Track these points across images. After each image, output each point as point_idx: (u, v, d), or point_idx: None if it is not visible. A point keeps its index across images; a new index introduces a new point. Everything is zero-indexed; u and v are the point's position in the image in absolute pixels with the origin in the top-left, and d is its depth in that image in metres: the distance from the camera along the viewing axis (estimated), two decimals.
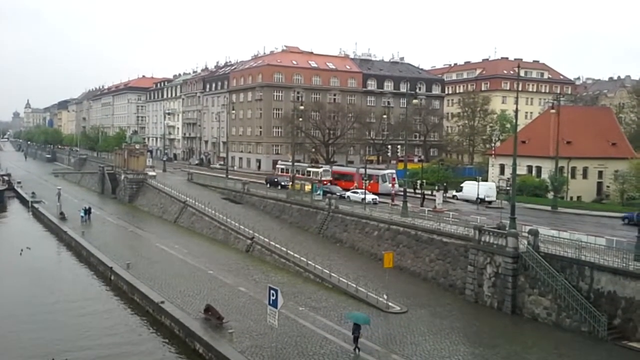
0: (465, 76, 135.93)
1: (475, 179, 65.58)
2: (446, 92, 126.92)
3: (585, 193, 69.37)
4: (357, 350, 26.44)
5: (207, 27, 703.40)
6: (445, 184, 68.69)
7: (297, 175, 74.96)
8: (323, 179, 73.18)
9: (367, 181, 62.93)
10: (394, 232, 44.57)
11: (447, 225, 41.61)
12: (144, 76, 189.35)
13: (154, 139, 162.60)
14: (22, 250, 52.72)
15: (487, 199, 61.58)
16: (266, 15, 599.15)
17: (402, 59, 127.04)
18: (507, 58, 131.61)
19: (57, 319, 34.83)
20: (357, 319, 27.17)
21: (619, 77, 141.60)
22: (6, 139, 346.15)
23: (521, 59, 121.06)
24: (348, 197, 62.26)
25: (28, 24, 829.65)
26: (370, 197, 59.41)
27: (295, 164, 79.80)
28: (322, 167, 78.86)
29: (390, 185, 66.35)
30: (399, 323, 30.90)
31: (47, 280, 44.07)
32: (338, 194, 63.93)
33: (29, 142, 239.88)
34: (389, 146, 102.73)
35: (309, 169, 78.11)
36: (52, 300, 38.61)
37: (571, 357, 26.55)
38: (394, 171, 72.76)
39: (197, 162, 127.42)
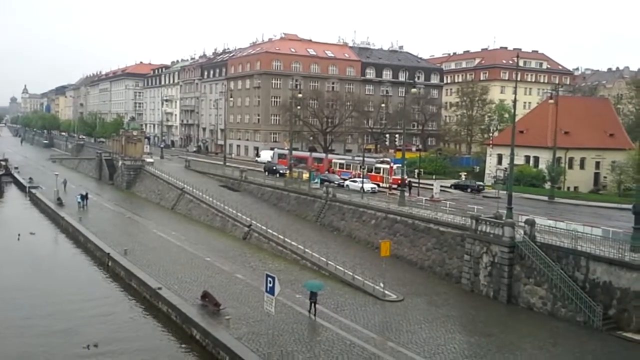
0: (464, 65, 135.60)
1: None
2: (445, 81, 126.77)
3: (582, 184, 69.54)
4: (312, 315, 29.42)
5: (205, 13, 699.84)
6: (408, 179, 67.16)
7: (358, 172, 64.72)
8: (395, 177, 61.78)
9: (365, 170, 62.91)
10: (391, 221, 44.69)
11: (444, 214, 41.83)
12: (141, 62, 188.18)
13: (152, 125, 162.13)
14: (19, 235, 52.67)
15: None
16: (265, 2, 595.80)
17: (401, 47, 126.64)
18: (506, 48, 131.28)
19: (55, 309, 34.29)
20: (313, 286, 30.26)
21: (617, 68, 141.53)
22: (3, 124, 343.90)
23: (520, 49, 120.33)
24: (347, 185, 62.31)
25: (21, 7, 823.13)
26: (369, 185, 59.41)
27: (353, 158, 73.31)
28: (393, 162, 66.28)
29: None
30: (395, 311, 31.09)
31: (46, 266, 43.95)
32: (336, 182, 63.99)
33: (26, 128, 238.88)
34: (387, 135, 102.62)
35: (377, 165, 66.05)
36: (51, 287, 38.34)
37: (566, 347, 26.74)
38: (389, 159, 72.63)
39: (194, 149, 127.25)
